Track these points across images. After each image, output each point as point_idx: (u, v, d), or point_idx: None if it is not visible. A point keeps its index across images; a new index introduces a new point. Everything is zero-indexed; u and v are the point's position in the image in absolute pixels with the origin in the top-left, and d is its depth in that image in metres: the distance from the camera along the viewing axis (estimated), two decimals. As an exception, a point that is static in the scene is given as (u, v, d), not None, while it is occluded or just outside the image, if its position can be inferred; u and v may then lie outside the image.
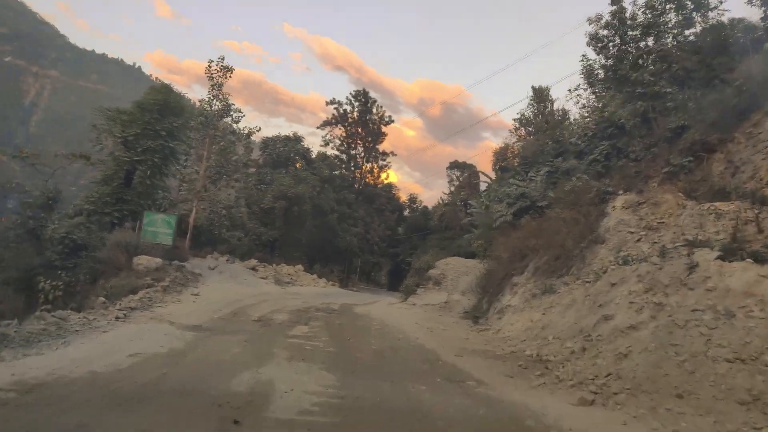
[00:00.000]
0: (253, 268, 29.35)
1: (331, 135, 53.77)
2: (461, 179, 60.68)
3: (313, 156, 47.41)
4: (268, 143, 43.41)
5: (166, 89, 23.64)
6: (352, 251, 48.86)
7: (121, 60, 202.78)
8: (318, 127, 54.02)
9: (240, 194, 35.65)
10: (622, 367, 7.84)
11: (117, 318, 11.19)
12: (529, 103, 41.51)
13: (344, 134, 54.03)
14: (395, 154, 56.18)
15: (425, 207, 63.55)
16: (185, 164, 30.99)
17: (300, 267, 35.08)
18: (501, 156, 42.60)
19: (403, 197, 63.79)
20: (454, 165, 60.84)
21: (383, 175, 56.89)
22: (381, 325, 14.84)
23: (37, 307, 12.60)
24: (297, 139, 44.73)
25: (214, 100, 29.85)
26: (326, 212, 44.02)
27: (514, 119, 43.14)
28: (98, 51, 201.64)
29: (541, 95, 41.10)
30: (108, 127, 21.91)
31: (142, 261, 18.13)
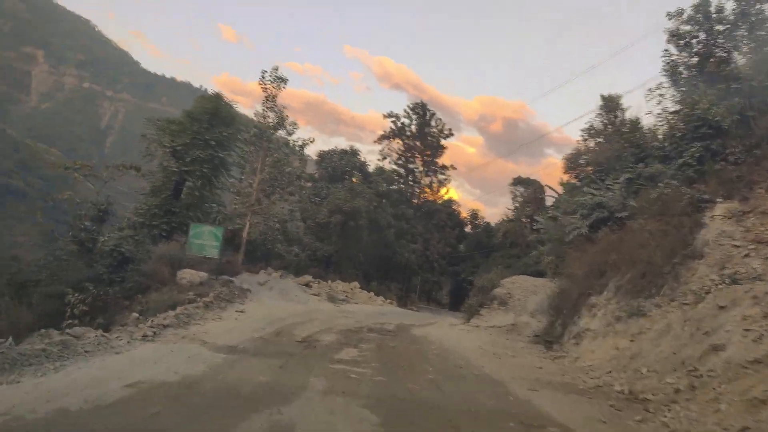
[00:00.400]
0: (307, 285, 28.24)
1: (388, 149, 52.48)
2: (525, 195, 58.21)
3: (370, 170, 46.22)
4: (324, 157, 42.64)
5: (216, 98, 23.02)
6: (411, 268, 47.19)
7: (189, 83, 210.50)
8: (375, 141, 52.81)
9: (294, 207, 34.80)
10: (761, 418, 5.88)
11: (144, 336, 10.05)
12: (597, 113, 38.83)
13: (402, 148, 52.58)
14: (455, 168, 54.24)
15: (487, 223, 61.26)
16: (241, 178, 30.47)
17: (356, 284, 33.77)
18: (572, 162, 39.97)
19: (464, 213, 61.77)
20: (518, 181, 58.22)
21: (443, 190, 55.00)
22: (440, 349, 13.16)
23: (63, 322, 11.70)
24: (353, 153, 43.75)
25: (269, 112, 29.20)
26: (383, 227, 42.72)
27: (582, 130, 40.52)
28: (168, 75, 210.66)
29: (611, 104, 38.36)
30: (158, 137, 21.41)
31: (186, 275, 17.23)
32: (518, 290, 24.65)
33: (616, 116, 38.83)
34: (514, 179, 57.98)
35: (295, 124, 30.10)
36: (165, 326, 11.58)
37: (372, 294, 34.14)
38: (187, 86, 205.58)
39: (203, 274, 17.66)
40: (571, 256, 16.62)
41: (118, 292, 15.72)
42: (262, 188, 29.55)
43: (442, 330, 18.53)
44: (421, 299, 64.33)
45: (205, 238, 19.06)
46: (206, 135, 21.40)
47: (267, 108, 29.16)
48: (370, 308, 27.40)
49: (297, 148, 30.56)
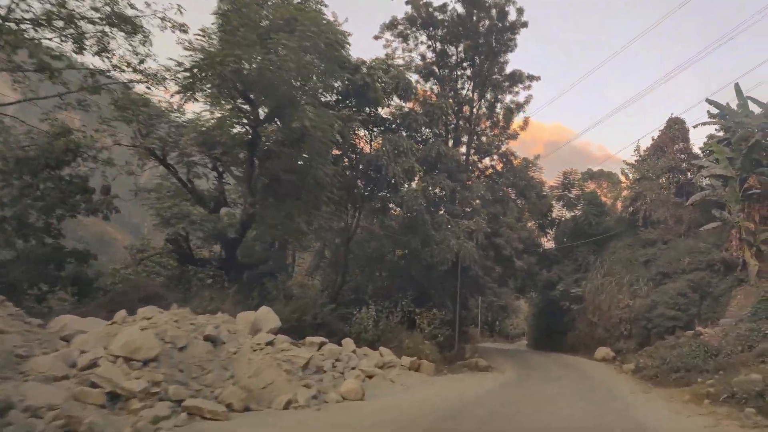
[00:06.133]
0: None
1: (407, 52, 25.96)
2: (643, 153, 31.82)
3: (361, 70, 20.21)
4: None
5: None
6: (471, 278, 21.49)
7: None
8: (375, 38, 25.99)
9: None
10: None
11: None
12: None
13: (433, 52, 26.07)
14: (538, 79, 26.96)
15: (592, 193, 34.48)
16: None
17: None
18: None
19: (549, 181, 34.92)
20: (590, 175, 40.37)
21: (515, 123, 27.98)
22: None
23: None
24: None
25: None
26: (402, 196, 18.09)
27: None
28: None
29: None
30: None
31: None
32: None
33: None
34: (583, 174, 39.83)
35: None
36: None
37: (356, 349, 10.01)
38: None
39: None
40: None
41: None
42: None
43: None
44: (483, 333, 39.59)
45: None
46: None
47: None
48: None
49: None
